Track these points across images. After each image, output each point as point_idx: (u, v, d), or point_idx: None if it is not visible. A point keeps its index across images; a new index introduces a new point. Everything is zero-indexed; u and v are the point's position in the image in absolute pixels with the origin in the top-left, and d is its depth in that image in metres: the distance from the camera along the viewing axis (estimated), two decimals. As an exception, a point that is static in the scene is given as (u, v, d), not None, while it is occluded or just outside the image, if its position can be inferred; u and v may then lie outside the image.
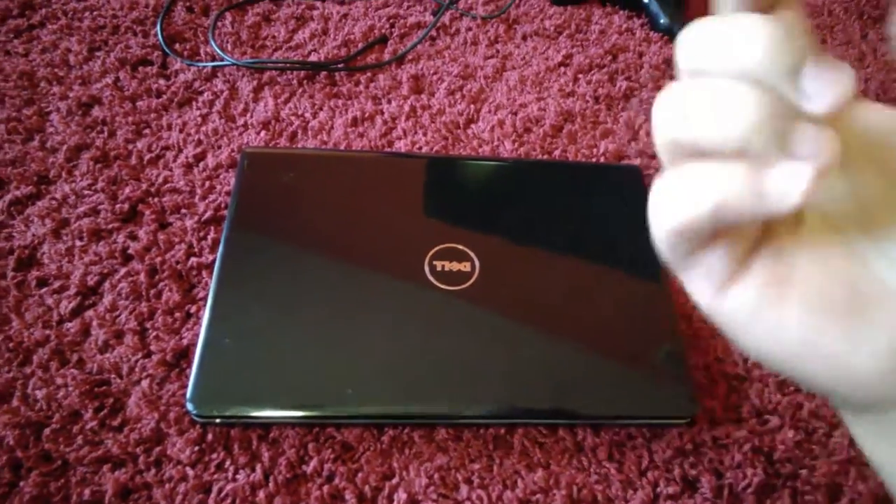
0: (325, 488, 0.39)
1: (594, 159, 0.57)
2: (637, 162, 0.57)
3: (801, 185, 0.17)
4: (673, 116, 0.20)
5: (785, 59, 0.18)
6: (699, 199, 0.19)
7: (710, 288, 0.21)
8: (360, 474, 0.39)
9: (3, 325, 0.43)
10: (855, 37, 0.72)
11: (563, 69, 0.64)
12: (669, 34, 0.67)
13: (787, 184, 0.18)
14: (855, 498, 0.41)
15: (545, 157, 0.57)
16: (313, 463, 0.39)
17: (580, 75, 0.64)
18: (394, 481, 0.39)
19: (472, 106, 0.60)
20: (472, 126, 0.59)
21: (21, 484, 0.38)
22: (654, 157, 0.58)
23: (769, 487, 0.41)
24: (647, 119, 0.61)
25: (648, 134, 0.59)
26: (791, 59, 0.18)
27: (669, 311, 0.46)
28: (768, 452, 0.42)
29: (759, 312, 0.21)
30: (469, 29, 0.67)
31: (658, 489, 0.40)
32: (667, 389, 0.43)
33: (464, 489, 0.39)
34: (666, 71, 0.65)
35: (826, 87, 0.18)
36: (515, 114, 0.60)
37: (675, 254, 0.21)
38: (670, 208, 0.20)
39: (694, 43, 0.20)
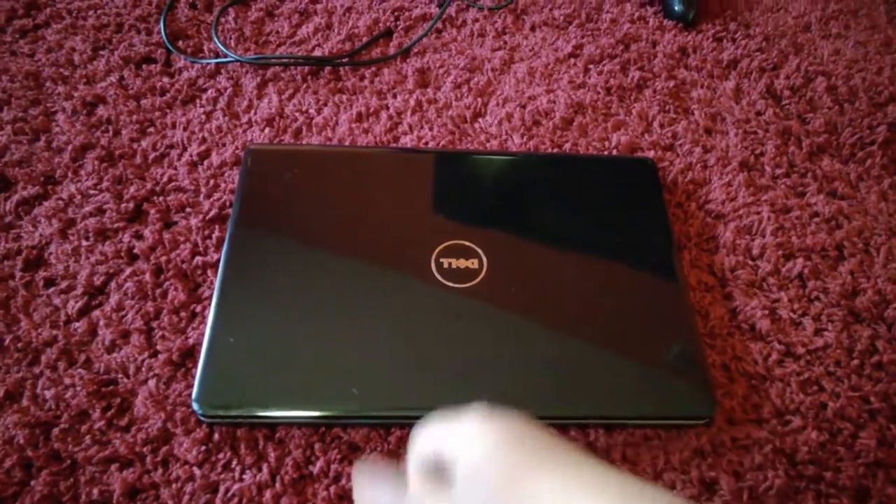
0: (332, 489, 0.40)
1: (606, 152, 0.57)
2: (651, 154, 0.58)
3: None
4: None
5: None
6: None
7: None
8: (367, 474, 0.40)
9: (13, 326, 0.45)
10: (881, 21, 0.71)
11: (573, 60, 0.65)
12: (684, 21, 0.67)
13: None
14: (885, 501, 0.41)
15: (555, 150, 0.57)
16: (320, 463, 0.40)
17: (591, 66, 0.64)
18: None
19: (479, 99, 0.60)
20: (480, 120, 0.59)
21: (32, 483, 0.39)
22: (668, 148, 0.58)
23: (791, 490, 0.41)
24: (661, 110, 0.61)
25: (662, 125, 0.60)
26: None
27: (685, 307, 0.46)
28: (790, 454, 0.43)
29: None
30: (476, 20, 0.67)
31: (674, 491, 0.41)
32: (683, 389, 0.43)
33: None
34: (681, 60, 0.65)
35: None
36: (524, 107, 0.60)
37: None
38: None
39: None
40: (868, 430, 0.44)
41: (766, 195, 0.55)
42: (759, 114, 0.61)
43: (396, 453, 0.41)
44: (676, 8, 0.67)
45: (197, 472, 0.40)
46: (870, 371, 0.46)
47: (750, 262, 0.51)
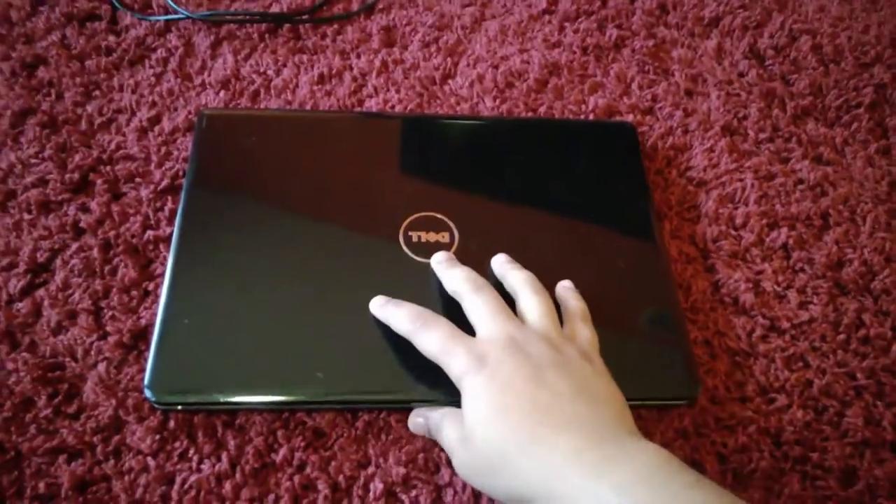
0: (297, 478, 0.37)
1: (583, 116, 0.54)
2: (630, 118, 0.54)
3: None
4: None
5: None
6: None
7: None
8: (333, 462, 0.38)
9: (-52, 308, 0.41)
10: (866, -22, 0.68)
11: (547, 17, 0.61)
12: (665, -24, 0.63)
13: None
14: (872, 483, 0.39)
15: (529, 114, 0.54)
16: (283, 451, 0.38)
17: (566, 24, 0.60)
18: (369, 470, 0.38)
19: (448, 59, 0.57)
20: (450, 81, 0.56)
21: (-29, 478, 0.36)
22: (647, 112, 0.55)
23: (777, 471, 0.39)
24: (640, 71, 0.57)
25: (641, 87, 0.56)
26: None
27: (667, 281, 0.44)
28: (775, 434, 0.41)
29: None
30: (446, -27, 0.63)
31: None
32: (666, 367, 0.41)
33: (445, 472, 0.38)
34: (660, 17, 0.61)
35: None
36: (496, 67, 0.56)
37: None
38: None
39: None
40: (854, 408, 0.42)
41: (749, 161, 0.52)
42: (741, 75, 0.58)
43: (364, 439, 0.39)
44: (657, -38, 0.63)
45: (151, 462, 0.37)
46: (856, 346, 0.44)
47: (733, 233, 0.48)
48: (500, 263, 0.42)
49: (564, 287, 0.41)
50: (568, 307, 0.40)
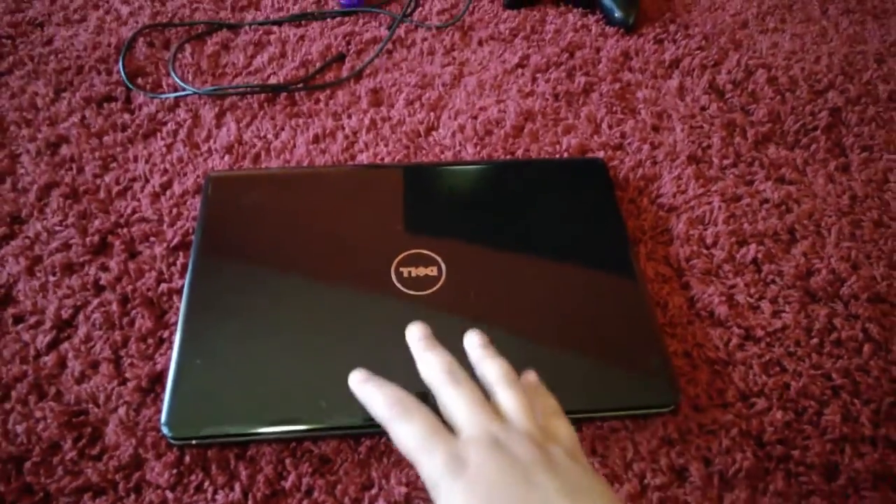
0: (305, 503, 0.38)
1: (557, 155, 0.57)
2: (601, 154, 0.57)
3: None
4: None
5: None
6: None
7: None
8: (339, 486, 0.39)
9: (-19, 366, 0.44)
10: (815, 13, 0.72)
11: (520, 70, 0.65)
12: (625, 27, 0.67)
13: None
14: (853, 476, 0.40)
15: (508, 157, 0.57)
16: (291, 478, 0.39)
17: (538, 75, 0.64)
18: (373, 491, 0.39)
19: (431, 113, 0.60)
20: (433, 133, 0.59)
21: (3, 519, 0.38)
22: (617, 148, 0.58)
23: (762, 471, 0.40)
24: (609, 111, 0.61)
25: (610, 126, 0.59)
26: None
27: (644, 300, 0.46)
28: (757, 435, 0.42)
29: None
30: (425, 39, 0.67)
31: (645, 480, 0.40)
32: (647, 379, 0.42)
33: (445, 492, 0.39)
34: (624, 63, 0.65)
35: None
36: (475, 118, 0.60)
37: None
38: None
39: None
40: (832, 406, 0.43)
41: (715, 186, 0.55)
42: (703, 109, 0.61)
43: (367, 463, 0.40)
44: (617, 14, 0.67)
45: (169, 495, 0.39)
46: (829, 349, 0.45)
47: (704, 251, 0.51)
48: (473, 347, 0.39)
49: (532, 383, 0.38)
50: (541, 403, 0.37)
